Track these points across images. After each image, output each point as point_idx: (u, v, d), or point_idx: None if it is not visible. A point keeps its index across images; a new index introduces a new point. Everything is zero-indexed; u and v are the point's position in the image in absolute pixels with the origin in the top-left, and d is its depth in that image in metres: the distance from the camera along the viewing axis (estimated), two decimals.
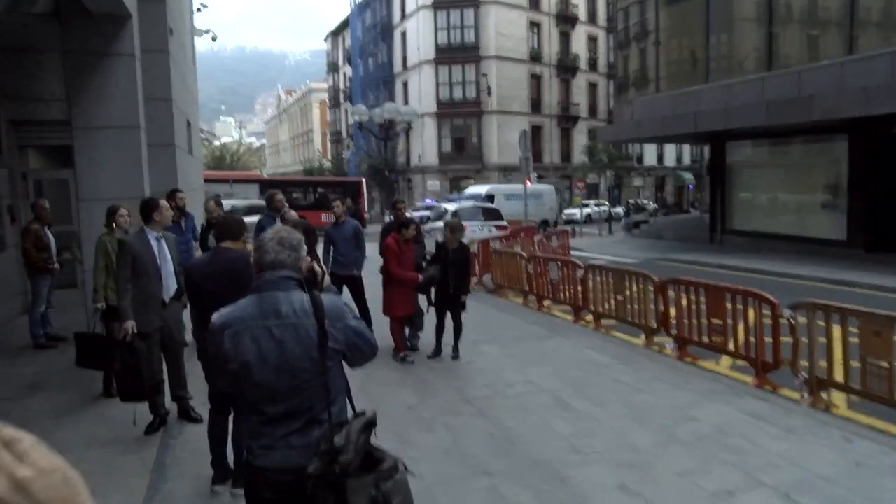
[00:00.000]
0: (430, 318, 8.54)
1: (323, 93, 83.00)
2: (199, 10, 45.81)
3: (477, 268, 14.85)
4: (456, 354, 8.30)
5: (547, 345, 9.01)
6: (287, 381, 2.54)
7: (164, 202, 5.59)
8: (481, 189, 36.06)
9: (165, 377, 5.79)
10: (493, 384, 7.14)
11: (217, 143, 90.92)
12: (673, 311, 8.56)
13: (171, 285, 5.56)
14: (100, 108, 7.80)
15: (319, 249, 7.64)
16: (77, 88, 7.76)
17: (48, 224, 8.69)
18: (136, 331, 5.30)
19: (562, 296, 11.44)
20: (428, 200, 42.88)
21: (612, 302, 9.96)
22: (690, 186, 58.42)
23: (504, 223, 18.46)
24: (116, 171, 7.87)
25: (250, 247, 4.03)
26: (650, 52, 26.34)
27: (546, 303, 12.07)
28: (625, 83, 29.36)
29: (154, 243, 5.45)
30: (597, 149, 47.81)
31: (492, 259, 14.36)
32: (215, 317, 2.61)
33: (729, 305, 7.67)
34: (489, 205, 19.32)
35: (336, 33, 72.86)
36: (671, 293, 8.70)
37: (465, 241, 16.32)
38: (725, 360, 8.11)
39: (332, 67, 74.98)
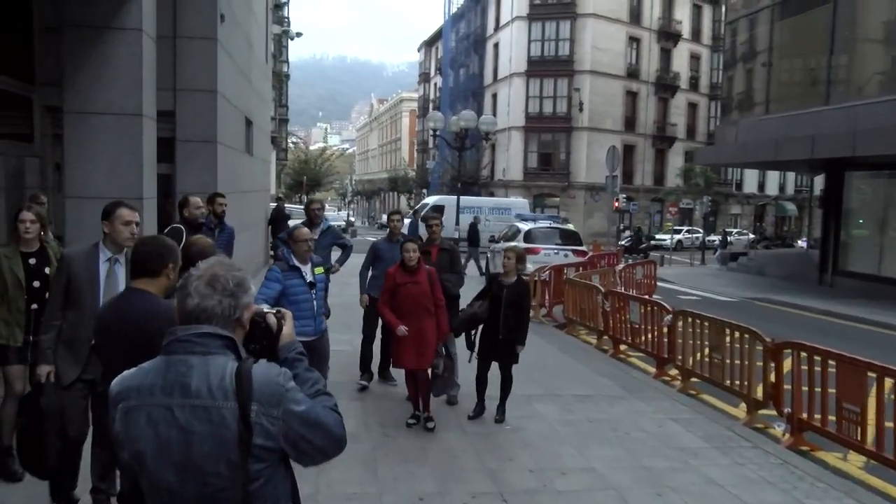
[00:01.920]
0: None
1: (413, 102, 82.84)
2: (294, 37, 46.06)
3: (547, 297, 13.09)
4: (501, 417, 6.59)
5: (619, 410, 7.19)
6: (194, 487, 1.85)
7: (124, 210, 4.06)
8: (432, 199, 34.49)
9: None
10: (541, 469, 5.42)
11: (312, 147, 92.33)
12: (787, 383, 6.62)
13: None
14: (97, 91, 6.58)
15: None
16: (73, 67, 6.57)
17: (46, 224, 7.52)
18: (51, 380, 3.91)
19: (642, 340, 9.58)
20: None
21: (707, 358, 8.05)
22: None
23: (583, 248, 16.49)
24: (111, 165, 6.63)
25: None
26: (760, 69, 23.91)
27: (622, 346, 10.23)
28: (730, 103, 26.91)
29: (102, 267, 4.01)
30: (693, 172, 44.82)
31: (565, 289, 12.56)
32: (114, 382, 1.98)
33: (871, 387, 5.69)
34: (569, 227, 17.30)
35: (430, 43, 72.48)
36: (787, 360, 6.75)
37: (532, 267, 14.78)
38: (855, 457, 6.11)
39: (424, 77, 74.63)
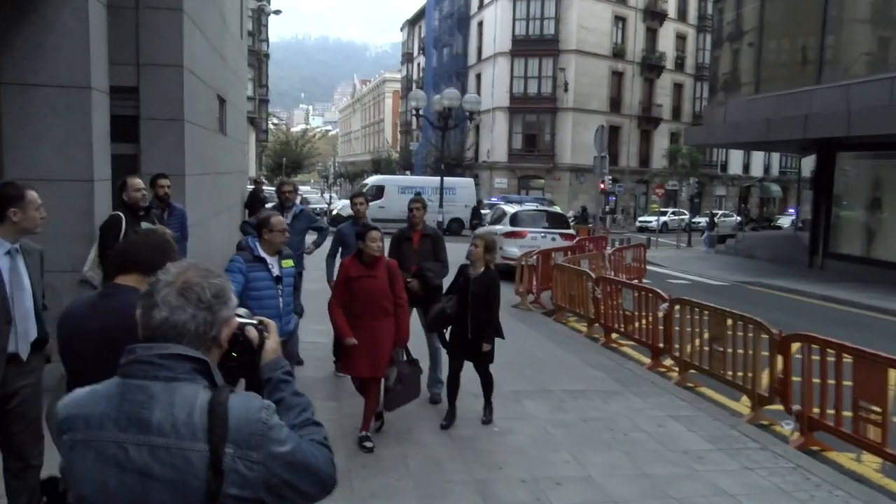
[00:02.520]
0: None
1: (396, 83, 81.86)
2: (271, 13, 44.90)
3: (535, 283, 12.58)
4: (488, 417, 6.05)
5: (615, 407, 6.69)
6: None
7: (33, 193, 3.49)
8: (372, 179, 32.97)
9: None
10: (534, 479, 4.90)
11: (293, 129, 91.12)
12: (796, 377, 6.15)
13: (29, 330, 3.51)
14: (38, 60, 5.90)
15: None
16: (9, 33, 5.89)
17: None
18: None
19: (635, 328, 9.10)
20: (494, 199, 40.69)
21: (705, 347, 7.58)
22: (793, 209, 54.28)
23: (571, 231, 15.93)
24: (59, 144, 5.98)
25: None
26: (749, 49, 23.42)
27: (614, 335, 9.76)
28: (718, 83, 26.45)
29: (3, 260, 3.36)
30: (680, 153, 44.42)
31: (553, 275, 12.04)
32: (60, 404, 1.62)
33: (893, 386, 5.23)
34: (555, 209, 16.68)
35: (413, 23, 71.43)
36: (797, 354, 6.28)
37: (519, 251, 14.24)
38: (870, 458, 5.66)
39: (407, 58, 73.63)
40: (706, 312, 7.66)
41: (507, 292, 13.19)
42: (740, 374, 6.92)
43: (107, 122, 6.64)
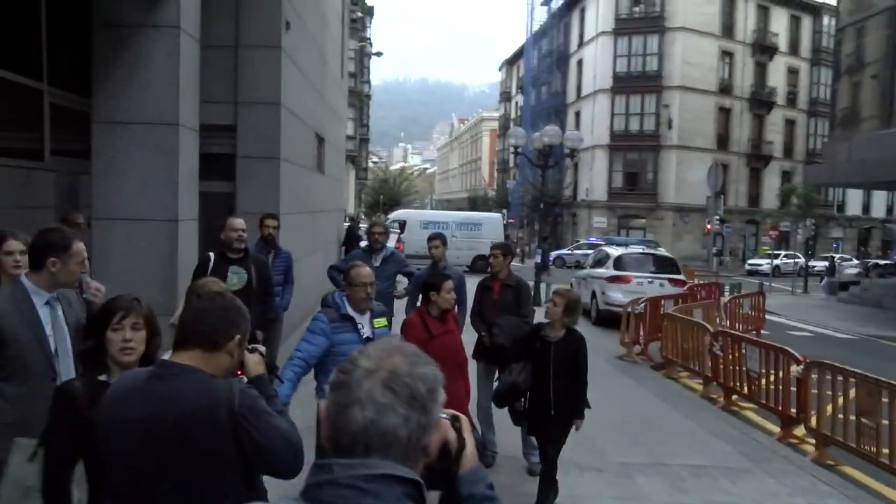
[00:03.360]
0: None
1: (494, 122, 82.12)
2: (374, 56, 45.94)
3: (642, 333, 11.62)
4: None
5: (745, 489, 5.74)
6: None
7: (77, 245, 3.06)
8: (398, 213, 30.24)
9: None
10: None
11: (392, 167, 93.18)
12: None
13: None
14: (127, 98, 5.72)
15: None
16: (103, 72, 5.74)
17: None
18: None
19: (761, 390, 8.05)
20: (593, 238, 39.50)
21: (850, 417, 6.50)
22: None
23: (681, 277, 14.77)
24: (142, 182, 5.75)
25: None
26: (874, 80, 21.66)
27: (734, 396, 8.71)
28: (837, 118, 24.64)
29: (42, 312, 2.97)
30: (796, 192, 41.72)
31: (662, 325, 11.06)
32: None
33: None
34: (663, 252, 15.50)
35: (511, 62, 71.68)
36: None
37: (623, 297, 13.27)
38: None
39: (505, 97, 73.82)
40: (852, 380, 6.60)
41: (610, 342, 12.45)
42: None
43: (195, 159, 6.40)
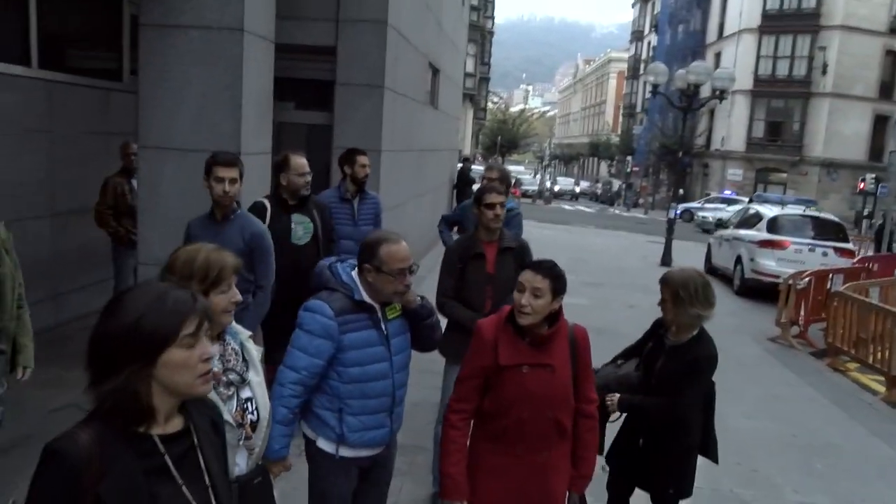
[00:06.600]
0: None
1: (622, 63, 77.70)
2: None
3: (802, 312, 9.69)
4: None
5: None
6: None
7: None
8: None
9: None
10: None
11: (512, 109, 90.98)
12: None
13: None
14: None
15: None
16: None
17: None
18: None
19: None
20: (727, 192, 36.36)
21: None
22: None
23: (849, 246, 12.31)
24: (201, 104, 4.58)
25: None
26: None
27: None
28: None
29: None
30: None
31: (830, 305, 9.09)
32: None
33: None
34: (828, 216, 12.95)
35: None
36: None
37: (776, 265, 11.27)
38: None
39: (637, 36, 69.19)
40: None
41: (758, 318, 10.55)
42: None
43: (268, 79, 5.17)
